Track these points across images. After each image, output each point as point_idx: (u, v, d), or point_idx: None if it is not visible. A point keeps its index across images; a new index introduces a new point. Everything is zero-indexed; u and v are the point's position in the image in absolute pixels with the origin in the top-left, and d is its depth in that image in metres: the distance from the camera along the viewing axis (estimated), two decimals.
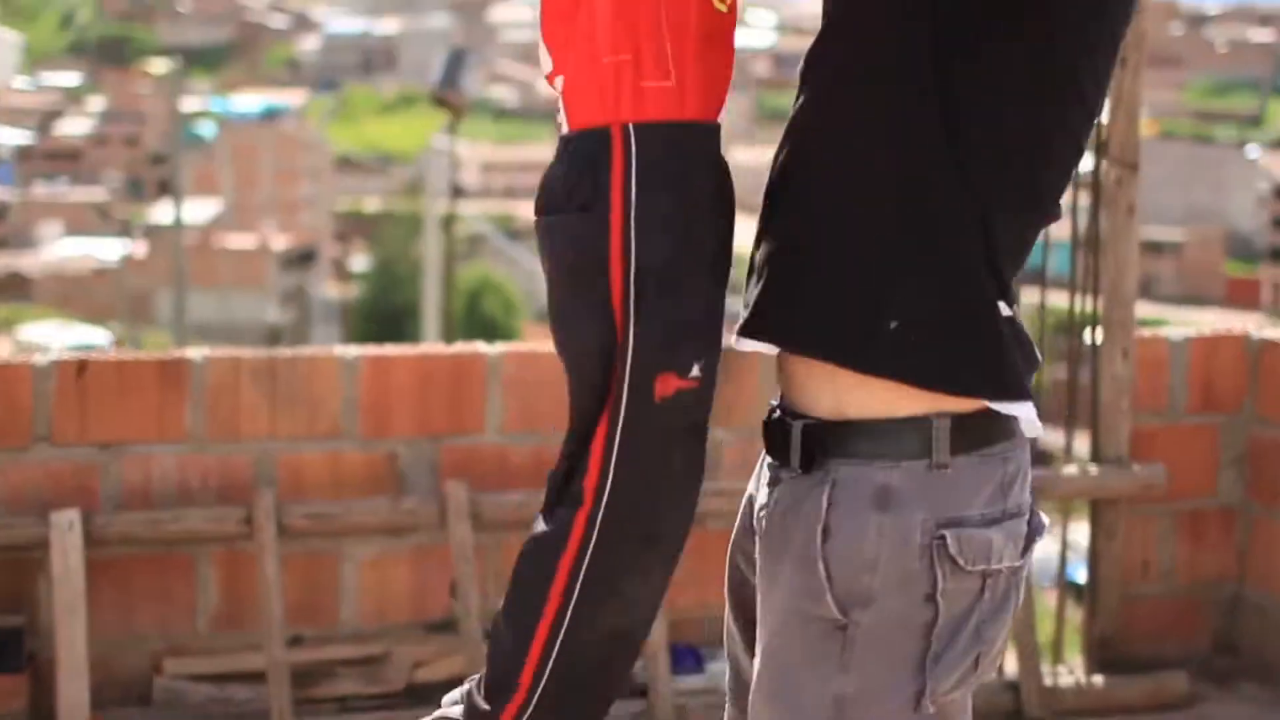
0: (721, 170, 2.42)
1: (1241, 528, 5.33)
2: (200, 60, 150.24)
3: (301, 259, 70.23)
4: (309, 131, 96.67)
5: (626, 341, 2.31)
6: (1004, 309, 2.20)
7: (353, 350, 4.80)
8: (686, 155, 2.36)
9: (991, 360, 2.20)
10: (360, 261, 63.44)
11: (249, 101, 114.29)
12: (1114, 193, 5.09)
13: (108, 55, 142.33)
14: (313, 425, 4.71)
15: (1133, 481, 5.11)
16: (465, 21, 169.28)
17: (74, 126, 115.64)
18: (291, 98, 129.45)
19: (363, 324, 48.58)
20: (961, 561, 2.17)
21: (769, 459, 2.32)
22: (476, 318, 46.56)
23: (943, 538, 2.16)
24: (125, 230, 71.73)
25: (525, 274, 57.55)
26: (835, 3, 2.34)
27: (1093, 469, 5.13)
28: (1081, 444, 5.30)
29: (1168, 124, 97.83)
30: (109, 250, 64.94)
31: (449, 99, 14.70)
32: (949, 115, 2.15)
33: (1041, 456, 5.72)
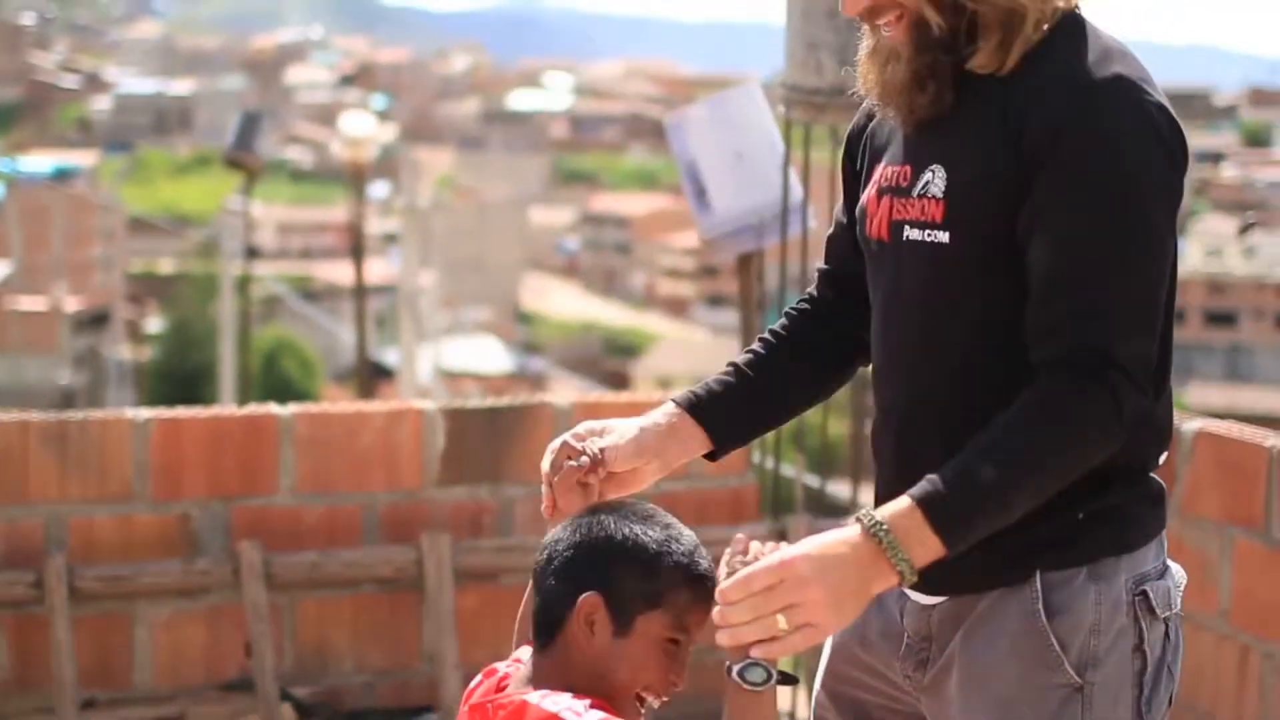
0: None
1: None
2: None
3: (94, 321, 69.04)
4: (101, 192, 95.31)
5: None
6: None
7: (144, 413, 4.79)
8: None
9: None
10: (155, 323, 62.56)
11: (39, 162, 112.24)
12: None
13: None
14: (104, 488, 4.69)
15: None
16: (260, 83, 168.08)
17: None
18: (83, 158, 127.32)
19: (158, 386, 47.92)
20: (1157, 611, 2.57)
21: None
22: (274, 379, 46.11)
23: (1144, 593, 2.56)
24: None
25: (322, 335, 57.16)
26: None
27: None
28: (867, 495, 5.43)
29: None
30: None
31: (243, 160, 14.63)
32: None
33: (830, 508, 5.86)
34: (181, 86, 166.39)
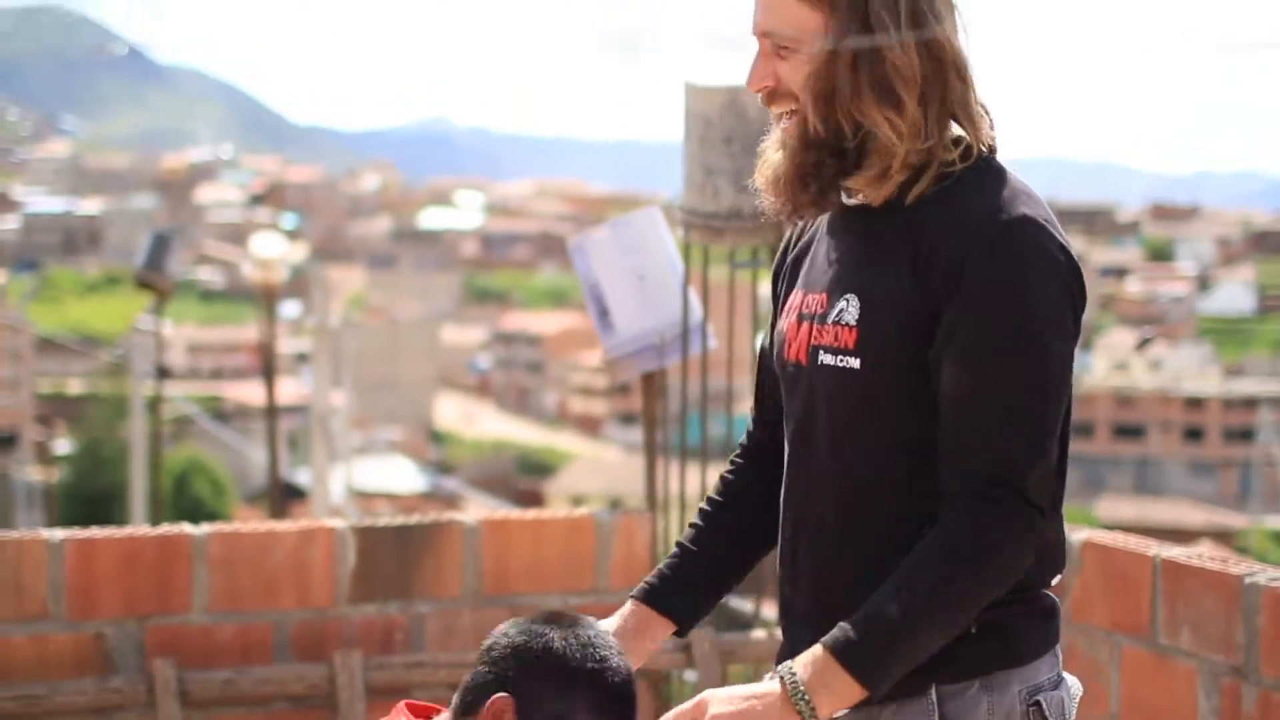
0: None
1: None
2: None
3: (3, 443, 68.41)
4: (9, 312, 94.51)
5: None
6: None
7: (59, 533, 4.85)
8: None
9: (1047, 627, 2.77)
10: (64, 444, 61.99)
11: None
12: None
13: None
14: (19, 607, 4.74)
15: None
16: (171, 202, 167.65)
17: None
18: None
19: (68, 508, 47.42)
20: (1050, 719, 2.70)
21: None
22: (186, 500, 45.82)
23: (1038, 703, 2.69)
24: None
25: (234, 456, 56.79)
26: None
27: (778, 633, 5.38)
28: (770, 609, 5.55)
29: None
30: None
31: (153, 281, 14.67)
32: None
33: (733, 622, 5.97)
34: (91, 205, 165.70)
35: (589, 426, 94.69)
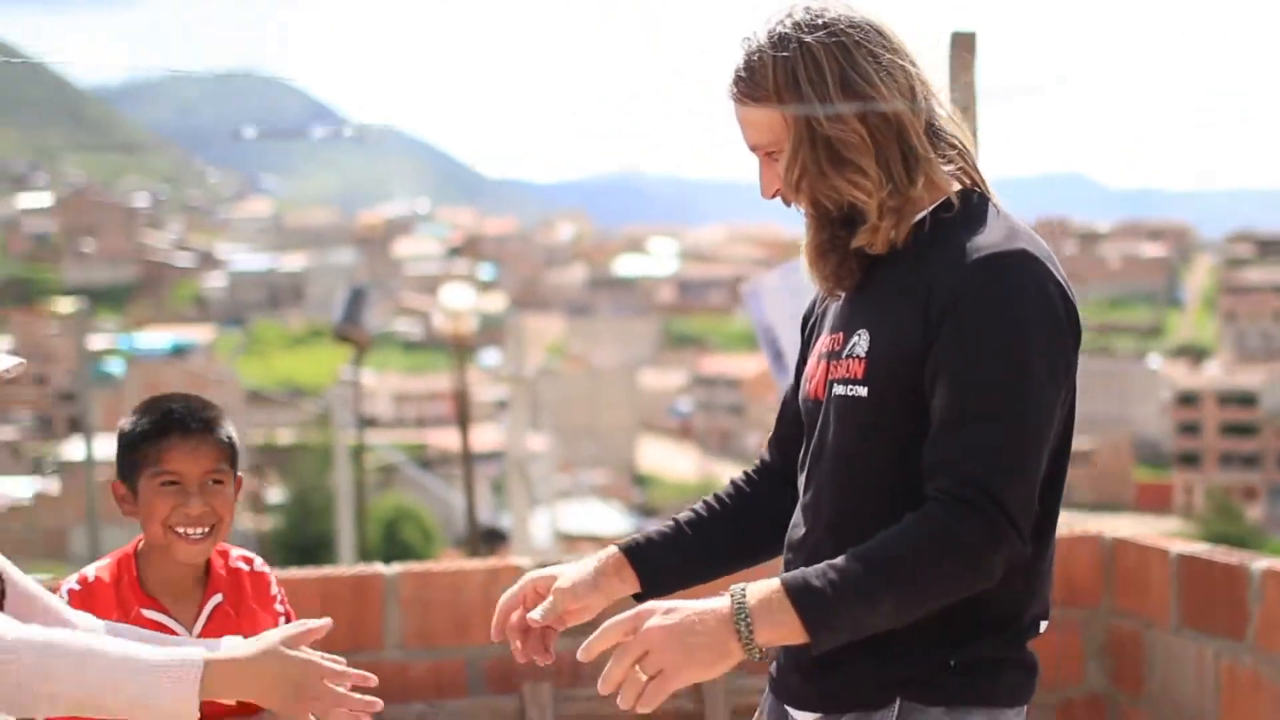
0: None
1: (1109, 714, 5.61)
2: (107, 299, 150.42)
3: None
4: (218, 366, 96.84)
5: None
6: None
7: None
8: None
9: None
10: (275, 494, 63.26)
11: (157, 338, 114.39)
12: None
13: (13, 295, 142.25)
14: None
15: None
16: (370, 256, 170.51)
17: None
18: (199, 334, 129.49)
19: (279, 554, 48.37)
20: None
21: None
22: (395, 546, 46.48)
23: None
24: (37, 468, 71.32)
25: (439, 502, 57.54)
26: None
27: None
28: None
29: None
30: (21, 488, 64.53)
31: (351, 334, 15.00)
32: None
33: None
34: (293, 262, 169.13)
35: None
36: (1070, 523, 5.69)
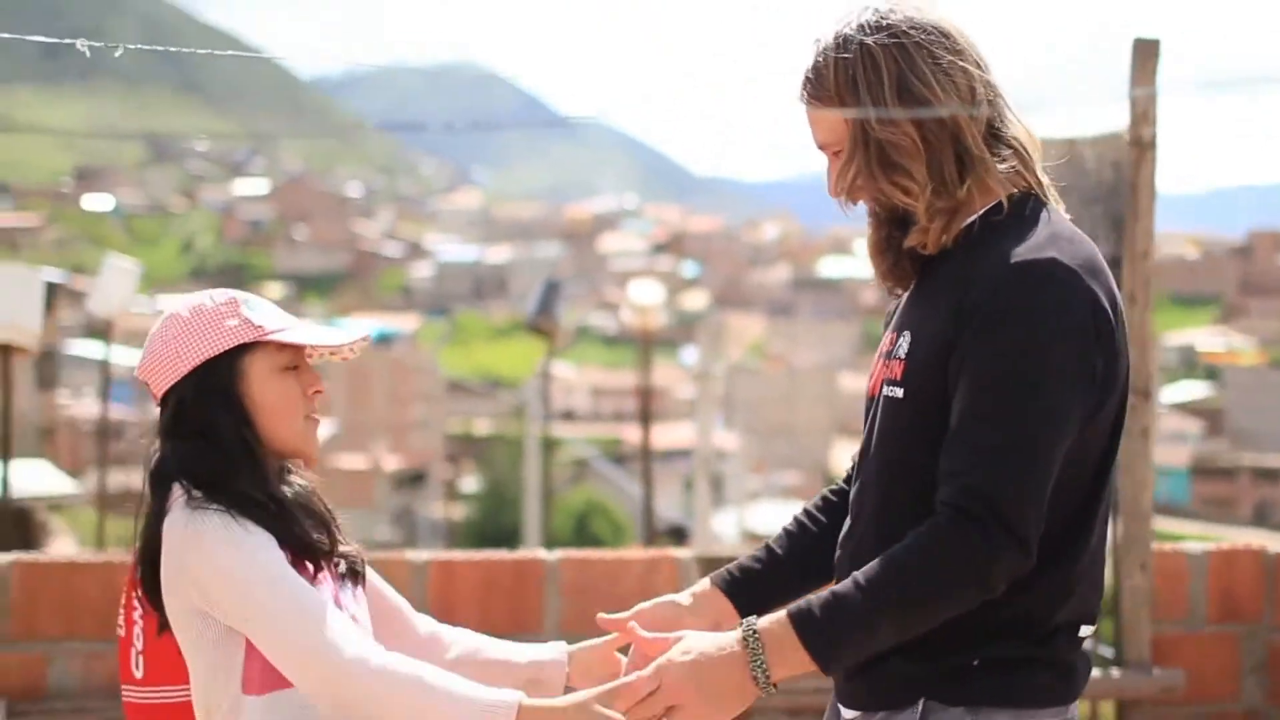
0: None
1: None
2: (315, 286, 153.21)
3: (412, 480, 70.96)
4: (421, 355, 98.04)
5: None
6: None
7: (423, 554, 5.22)
8: None
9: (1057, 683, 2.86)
10: (470, 483, 63.94)
11: (362, 326, 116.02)
12: (1129, 419, 5.46)
13: (226, 281, 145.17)
14: None
15: (1153, 685, 5.44)
16: (575, 250, 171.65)
17: None
18: (404, 323, 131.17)
19: (471, 543, 48.89)
20: None
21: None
22: (585, 539, 46.76)
23: None
24: None
25: (630, 498, 57.80)
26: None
27: (1115, 672, 5.46)
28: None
29: (1277, 352, 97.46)
30: None
31: (543, 326, 15.17)
32: None
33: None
34: (498, 254, 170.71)
35: None
36: (1232, 537, 5.71)
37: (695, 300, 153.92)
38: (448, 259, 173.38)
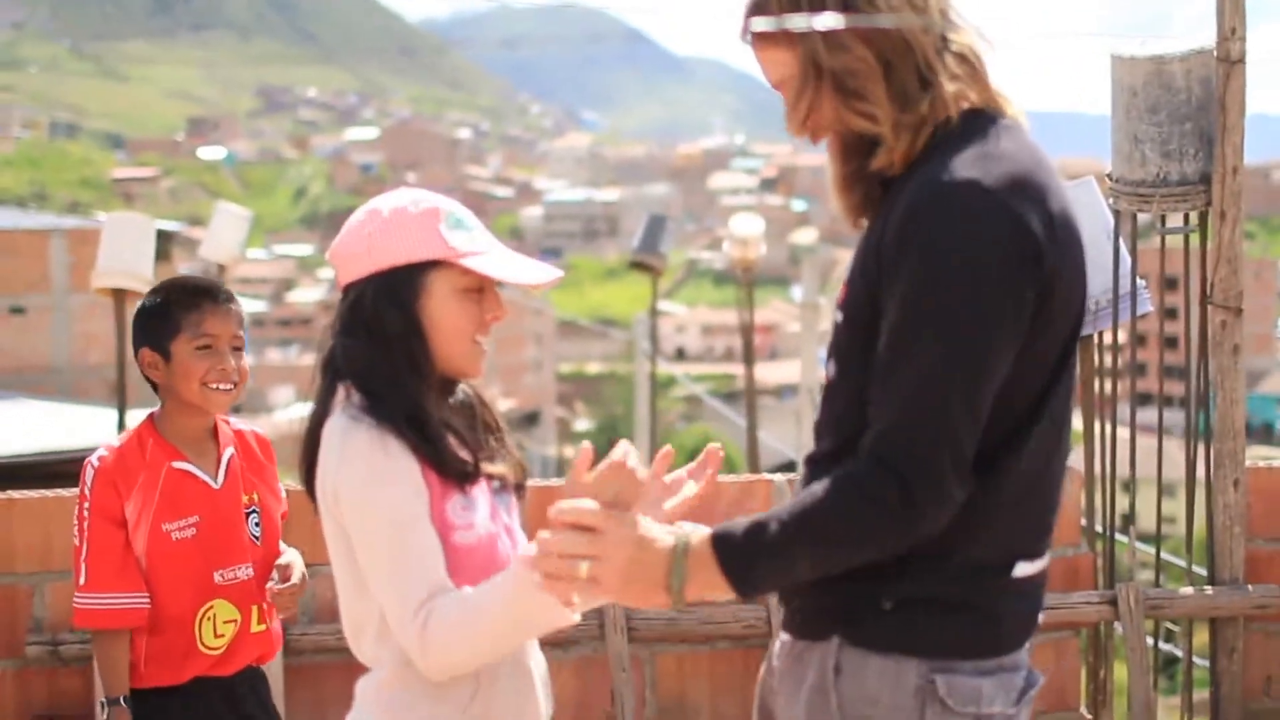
0: None
1: None
2: None
3: (526, 420, 71.42)
4: (532, 297, 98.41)
5: None
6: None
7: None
8: None
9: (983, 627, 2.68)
10: (583, 423, 64.25)
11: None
12: (1220, 336, 5.50)
13: (339, 227, 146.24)
14: None
15: (1246, 601, 5.47)
16: (685, 189, 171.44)
17: (306, 295, 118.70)
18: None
19: None
20: (950, 704, 2.64)
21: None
22: None
23: (933, 681, 2.63)
24: None
25: (743, 436, 57.88)
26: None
27: (1209, 589, 5.50)
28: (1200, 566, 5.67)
29: None
30: None
31: (648, 262, 15.15)
32: None
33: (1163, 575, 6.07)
34: (608, 195, 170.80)
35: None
36: None
37: (805, 236, 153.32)
38: (557, 200, 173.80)
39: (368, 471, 2.81)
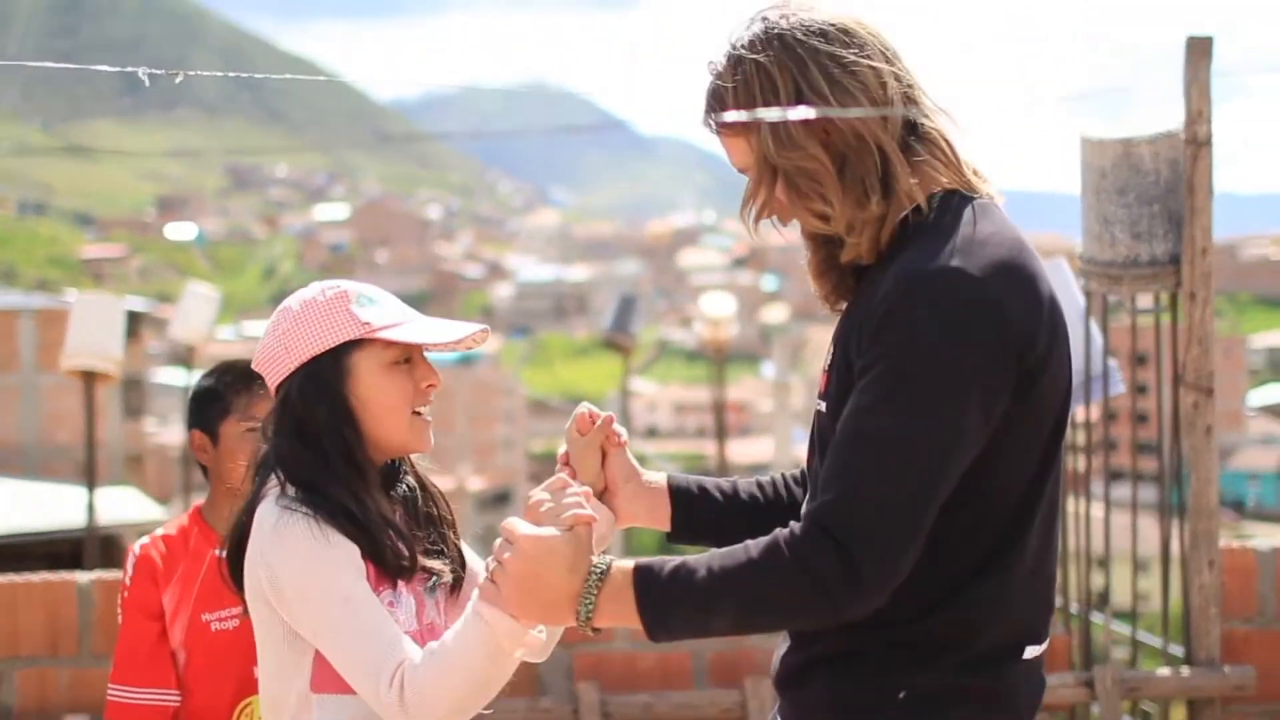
0: None
1: None
2: None
3: (497, 499, 71.19)
4: (503, 375, 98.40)
5: None
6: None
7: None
8: None
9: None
10: None
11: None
12: (1192, 416, 5.50)
13: None
14: None
15: (1223, 682, 5.45)
16: (654, 267, 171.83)
17: None
18: (486, 343, 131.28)
19: None
20: None
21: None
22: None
23: None
24: None
25: None
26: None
27: (1185, 670, 5.48)
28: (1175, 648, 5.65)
29: None
30: None
31: (619, 342, 15.20)
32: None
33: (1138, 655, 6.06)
34: (578, 273, 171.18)
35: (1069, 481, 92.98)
36: None
37: (775, 314, 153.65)
38: (528, 278, 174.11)
39: (309, 555, 2.80)
